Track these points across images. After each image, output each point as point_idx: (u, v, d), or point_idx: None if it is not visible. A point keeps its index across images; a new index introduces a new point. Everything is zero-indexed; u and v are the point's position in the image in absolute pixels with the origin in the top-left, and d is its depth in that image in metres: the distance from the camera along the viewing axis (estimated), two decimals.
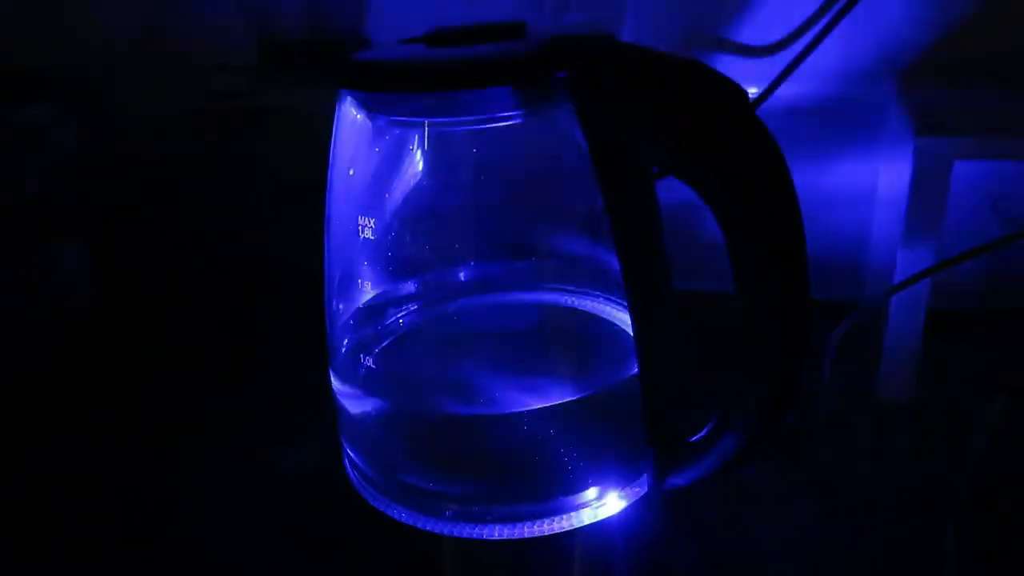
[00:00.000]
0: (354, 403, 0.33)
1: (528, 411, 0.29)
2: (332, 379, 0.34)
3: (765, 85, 0.49)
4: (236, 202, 0.66)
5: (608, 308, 0.35)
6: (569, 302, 0.36)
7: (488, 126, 0.27)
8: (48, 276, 0.59)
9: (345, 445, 0.34)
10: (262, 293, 0.62)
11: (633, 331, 0.28)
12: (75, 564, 0.37)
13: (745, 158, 0.23)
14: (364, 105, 0.29)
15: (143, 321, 0.60)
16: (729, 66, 0.53)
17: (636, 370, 0.28)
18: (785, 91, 0.49)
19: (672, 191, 0.30)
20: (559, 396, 0.29)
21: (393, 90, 0.26)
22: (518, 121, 0.27)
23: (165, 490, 0.42)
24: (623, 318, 0.32)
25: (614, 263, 0.27)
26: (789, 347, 0.26)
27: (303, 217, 0.39)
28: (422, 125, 0.29)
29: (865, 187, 0.52)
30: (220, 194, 0.66)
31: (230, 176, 0.65)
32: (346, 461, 0.34)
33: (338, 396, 0.33)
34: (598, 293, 0.36)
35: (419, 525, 0.30)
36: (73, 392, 0.51)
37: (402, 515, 0.31)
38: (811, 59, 0.48)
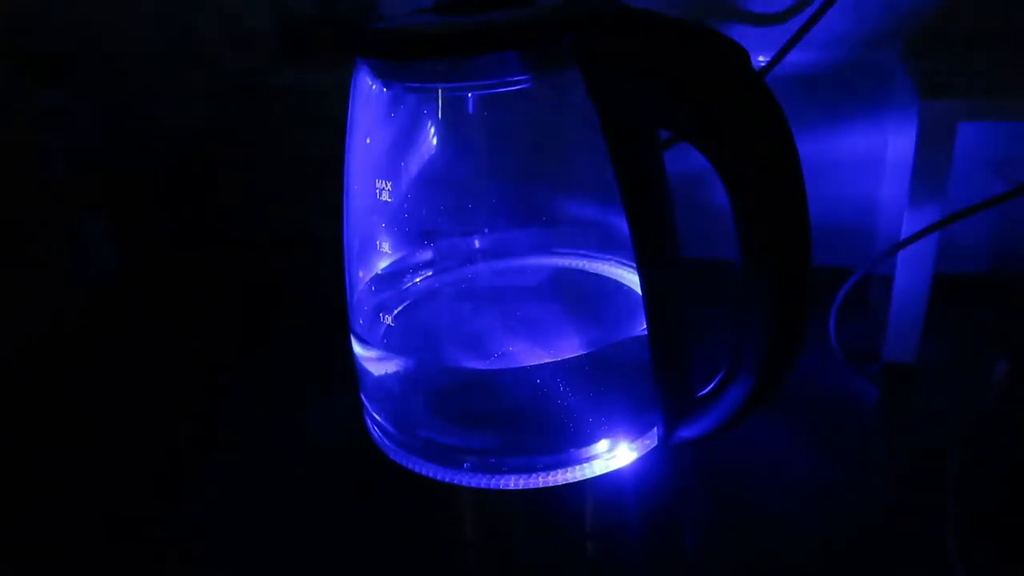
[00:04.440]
0: (374, 364, 0.34)
1: (542, 366, 0.30)
2: (353, 343, 0.35)
3: (774, 52, 0.49)
4: (254, 176, 0.67)
5: (620, 271, 0.36)
6: (582, 265, 0.37)
7: (498, 91, 0.28)
8: (74, 250, 0.61)
9: (366, 404, 0.35)
10: (280, 265, 0.64)
11: (641, 290, 0.29)
12: (105, 521, 0.39)
13: (746, 116, 0.24)
14: (379, 73, 0.30)
15: (165, 293, 0.61)
16: (738, 34, 0.53)
17: (646, 328, 0.29)
18: (794, 58, 0.49)
19: (682, 161, 0.31)
20: (572, 351, 0.31)
21: (406, 57, 0.27)
22: (527, 86, 0.28)
23: (194, 449, 0.43)
24: (635, 279, 0.33)
25: (625, 226, 0.28)
26: (790, 302, 0.27)
27: (320, 190, 0.40)
28: (435, 91, 0.30)
29: (874, 153, 0.53)
30: (238, 169, 0.67)
31: (248, 151, 0.67)
32: (368, 420, 0.35)
33: (359, 359, 0.35)
34: (610, 256, 0.37)
35: (438, 477, 0.31)
36: (98, 360, 0.53)
37: (422, 468, 0.32)
38: (820, 26, 0.48)
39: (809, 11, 0.49)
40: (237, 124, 0.66)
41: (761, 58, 0.50)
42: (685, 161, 0.30)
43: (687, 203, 0.35)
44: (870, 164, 0.53)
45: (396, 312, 0.35)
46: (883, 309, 0.44)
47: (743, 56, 0.25)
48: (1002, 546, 0.33)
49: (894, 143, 0.51)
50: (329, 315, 0.38)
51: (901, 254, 0.42)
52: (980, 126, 0.49)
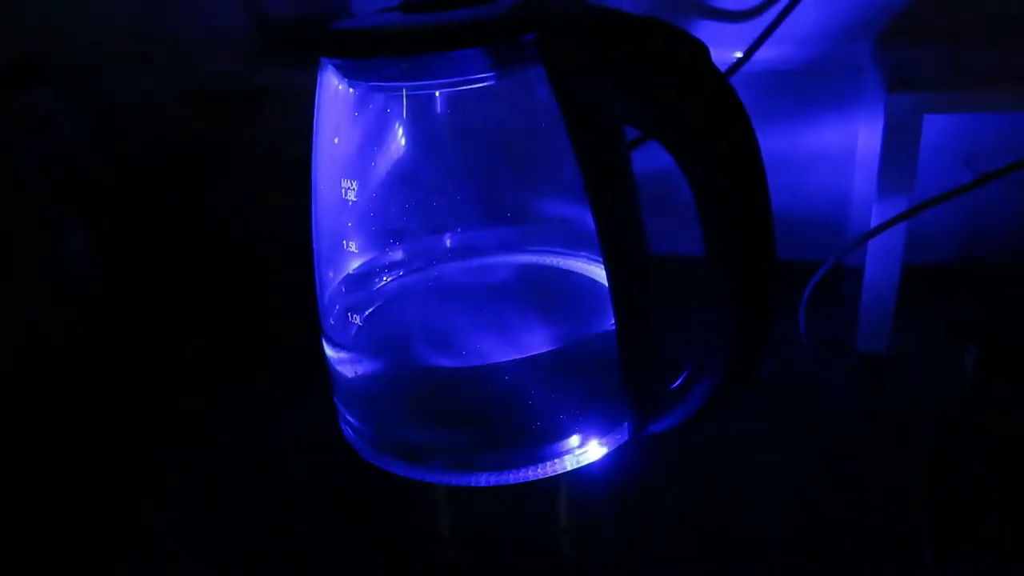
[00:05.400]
0: (346, 365, 0.34)
1: (512, 362, 0.30)
2: (325, 346, 0.35)
3: (745, 49, 0.50)
4: (234, 180, 0.67)
5: (591, 267, 0.36)
6: (554, 262, 0.37)
7: (463, 89, 0.28)
8: (52, 257, 0.61)
9: (339, 406, 0.35)
10: (261, 269, 0.63)
11: (608, 284, 0.29)
12: (81, 527, 0.39)
13: (706, 111, 0.24)
14: (344, 73, 0.30)
15: (144, 297, 0.61)
16: (710, 30, 0.53)
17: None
18: (767, 54, 0.50)
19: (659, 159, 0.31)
20: (541, 347, 0.31)
21: (368, 55, 0.27)
22: (492, 83, 0.28)
23: (168, 455, 0.43)
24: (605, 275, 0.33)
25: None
26: (756, 294, 0.27)
27: (298, 192, 0.40)
28: (400, 90, 0.30)
29: (847, 148, 0.53)
30: (218, 173, 0.67)
31: (227, 155, 0.66)
32: (341, 421, 0.35)
33: (330, 360, 0.35)
34: (582, 253, 0.37)
35: (410, 476, 0.32)
36: (77, 371, 0.53)
37: (394, 468, 0.32)
38: (790, 22, 0.49)
39: (779, 7, 0.49)
40: (215, 127, 0.66)
41: (737, 54, 0.50)
42: (659, 159, 0.31)
43: (664, 200, 0.36)
44: (843, 159, 0.53)
45: (367, 313, 0.35)
46: (856, 301, 0.45)
47: (703, 52, 0.25)
48: (973, 533, 0.34)
49: (865, 137, 0.52)
50: (305, 317, 0.38)
51: (871, 245, 0.42)
52: (950, 120, 0.50)
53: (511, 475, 0.31)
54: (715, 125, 0.24)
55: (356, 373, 0.34)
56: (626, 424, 0.32)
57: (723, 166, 0.24)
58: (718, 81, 0.24)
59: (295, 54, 0.60)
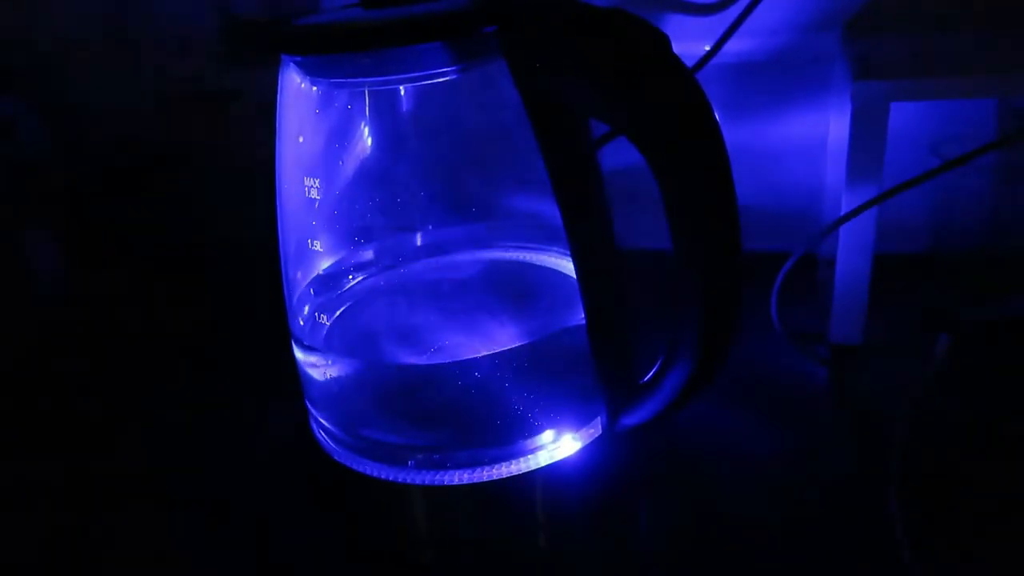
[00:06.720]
0: (316, 367, 0.34)
1: (482, 358, 0.30)
2: (294, 348, 0.34)
3: (714, 41, 0.50)
4: (202, 184, 0.66)
5: (561, 261, 0.36)
6: (523, 258, 0.37)
7: (425, 84, 0.28)
8: (18, 267, 0.60)
9: (311, 408, 0.35)
10: (234, 275, 0.63)
11: (577, 278, 0.29)
12: (55, 529, 0.38)
13: (667, 100, 0.24)
14: (305, 70, 0.30)
15: (114, 304, 0.60)
16: (678, 24, 0.53)
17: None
18: (736, 46, 0.50)
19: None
20: (513, 342, 0.30)
21: (327, 52, 0.27)
22: (454, 77, 0.28)
23: (139, 460, 0.43)
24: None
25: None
26: (722, 284, 0.27)
27: (270, 195, 0.40)
28: (362, 87, 0.29)
29: (819, 139, 0.53)
30: (186, 176, 0.66)
31: (197, 160, 0.66)
32: (312, 424, 0.35)
33: (301, 364, 0.34)
34: (552, 248, 0.37)
35: (383, 476, 0.31)
36: (47, 378, 0.52)
37: (367, 468, 0.32)
38: (758, 14, 0.49)
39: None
40: (183, 130, 0.65)
41: (706, 47, 0.50)
42: (632, 153, 0.31)
43: (636, 194, 0.35)
44: (814, 149, 0.54)
45: (337, 313, 0.34)
46: (830, 291, 0.45)
47: (663, 41, 0.25)
48: (945, 519, 0.34)
49: (836, 127, 0.52)
50: (274, 320, 0.37)
51: (842, 234, 0.42)
52: (918, 109, 0.50)
53: (485, 472, 0.31)
54: (677, 115, 0.24)
55: (327, 374, 0.33)
56: (599, 418, 0.32)
57: (685, 156, 0.24)
58: (679, 71, 0.24)
59: (259, 54, 0.60)
